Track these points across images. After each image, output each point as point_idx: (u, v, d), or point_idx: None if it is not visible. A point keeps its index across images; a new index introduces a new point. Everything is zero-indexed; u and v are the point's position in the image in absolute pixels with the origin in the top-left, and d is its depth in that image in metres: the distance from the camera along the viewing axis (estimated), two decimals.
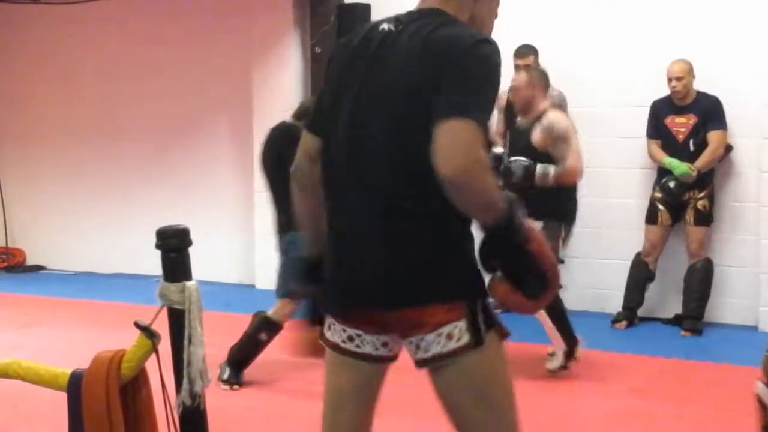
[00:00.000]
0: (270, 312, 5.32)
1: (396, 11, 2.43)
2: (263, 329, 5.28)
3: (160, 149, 9.31)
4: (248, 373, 5.58)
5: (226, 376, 5.27)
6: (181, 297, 2.54)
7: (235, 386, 5.28)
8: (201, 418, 2.62)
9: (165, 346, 2.59)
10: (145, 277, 8.86)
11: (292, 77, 8.43)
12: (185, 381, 2.55)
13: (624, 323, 7.01)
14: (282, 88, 8.46)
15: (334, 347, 2.47)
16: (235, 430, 4.52)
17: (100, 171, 9.71)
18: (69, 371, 2.67)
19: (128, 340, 2.68)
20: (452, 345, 2.28)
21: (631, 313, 7.06)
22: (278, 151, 5.20)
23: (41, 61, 9.94)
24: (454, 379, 2.33)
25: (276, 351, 5.92)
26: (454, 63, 2.23)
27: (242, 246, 8.96)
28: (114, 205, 9.69)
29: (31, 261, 10.18)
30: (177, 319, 2.55)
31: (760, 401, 3.02)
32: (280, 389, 5.37)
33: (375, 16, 8.17)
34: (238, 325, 5.51)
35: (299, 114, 5.52)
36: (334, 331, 2.46)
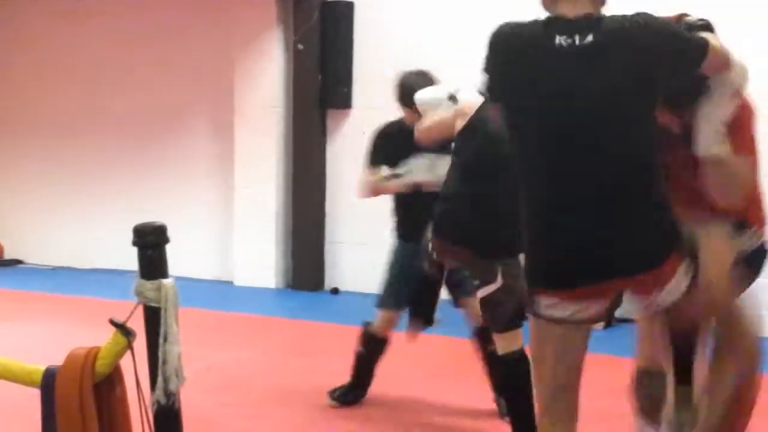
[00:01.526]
0: (373, 326, 4.99)
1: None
2: (362, 344, 4.96)
3: (140, 144, 9.26)
4: (222, 371, 5.57)
5: (337, 393, 4.96)
6: (157, 294, 2.52)
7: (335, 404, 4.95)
8: (175, 417, 2.59)
9: (140, 343, 2.57)
10: (122, 272, 8.82)
11: (274, 74, 8.41)
12: (160, 379, 2.53)
13: (601, 324, 7.00)
14: (263, 85, 8.44)
15: (558, 320, 2.81)
16: (209, 429, 4.49)
17: (79, 165, 9.65)
18: (42, 368, 2.64)
19: (104, 336, 2.66)
20: (684, 284, 2.77)
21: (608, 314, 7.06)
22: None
23: (21, 54, 9.86)
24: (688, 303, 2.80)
25: (252, 350, 5.93)
26: None
27: (220, 242, 8.94)
28: (92, 200, 9.63)
29: (8, 255, 10.11)
30: (153, 317, 2.53)
31: None
32: (255, 388, 5.34)
33: (358, 14, 8.18)
34: (215, 321, 5.51)
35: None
36: (556, 308, 2.78)
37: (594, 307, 2.84)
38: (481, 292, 4.01)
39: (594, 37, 2.58)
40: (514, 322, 4.05)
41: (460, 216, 3.95)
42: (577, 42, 2.59)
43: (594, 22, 2.61)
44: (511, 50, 2.75)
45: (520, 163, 2.80)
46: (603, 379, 5.62)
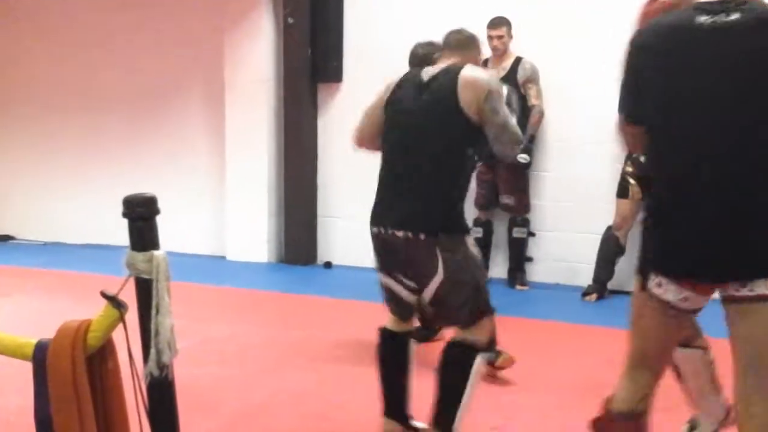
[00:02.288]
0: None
1: None
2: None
3: (131, 119, 9.21)
4: (216, 345, 5.57)
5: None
6: (148, 266, 2.50)
7: None
8: (168, 389, 2.59)
9: (132, 316, 2.56)
10: (115, 247, 8.77)
11: (264, 47, 8.36)
12: (153, 351, 2.52)
13: (594, 296, 7.05)
14: (254, 59, 8.39)
15: (666, 304, 2.89)
16: (203, 401, 4.50)
17: (70, 141, 9.61)
18: (34, 341, 2.63)
19: (96, 311, 2.65)
20: None
21: (601, 286, 7.09)
22: None
23: (13, 29, 9.80)
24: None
25: (246, 323, 5.92)
26: None
27: (213, 217, 8.92)
28: (83, 176, 9.60)
29: None
30: (144, 289, 2.51)
31: None
32: (249, 360, 5.35)
33: None
34: (208, 295, 5.51)
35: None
36: (667, 290, 2.87)
37: (704, 301, 2.93)
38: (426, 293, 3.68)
39: (740, 15, 2.71)
40: (478, 312, 3.70)
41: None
42: (722, 20, 2.73)
43: (740, 2, 2.74)
44: (659, 39, 2.89)
45: (669, 149, 2.88)
46: (596, 351, 5.65)
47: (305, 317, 6.58)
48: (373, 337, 5.56)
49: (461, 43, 3.97)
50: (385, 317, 4.02)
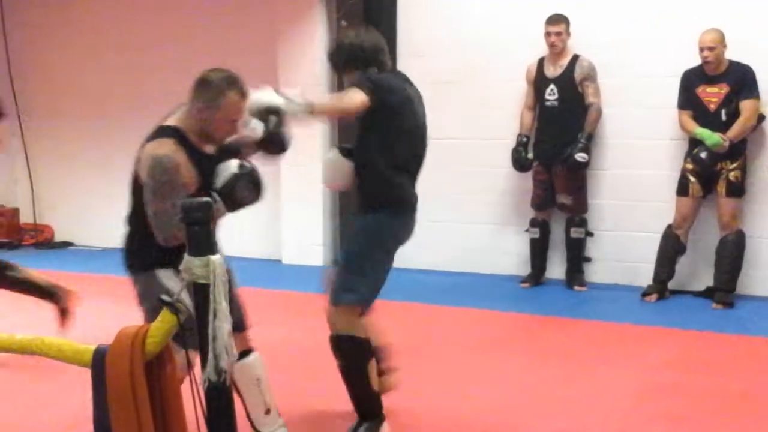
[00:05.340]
0: None
1: None
2: None
3: None
4: (271, 349, 5.55)
5: None
6: (205, 271, 2.49)
7: None
8: (226, 394, 2.58)
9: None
10: None
11: (318, 51, 8.35)
12: (210, 356, 2.51)
13: (654, 296, 6.92)
14: (307, 62, 8.40)
15: None
16: None
17: (127, 147, 9.63)
18: (92, 347, 2.63)
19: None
20: None
21: (661, 285, 6.97)
22: None
23: (67, 36, 9.92)
24: None
25: (301, 327, 5.92)
26: None
27: (268, 221, 8.94)
28: None
29: (59, 237, 10.21)
30: (202, 294, 2.50)
31: None
32: (305, 365, 5.33)
33: None
34: (263, 299, 5.48)
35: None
36: None
37: None
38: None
39: None
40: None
41: None
42: None
43: None
44: None
45: None
46: (655, 352, 5.55)
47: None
48: (431, 340, 5.53)
49: None
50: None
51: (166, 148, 3.52)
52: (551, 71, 7.21)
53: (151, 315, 3.48)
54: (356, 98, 3.76)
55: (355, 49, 4.02)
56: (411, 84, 4.13)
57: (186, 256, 2.55)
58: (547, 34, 7.11)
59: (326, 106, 4.10)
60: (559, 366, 5.29)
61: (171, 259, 3.33)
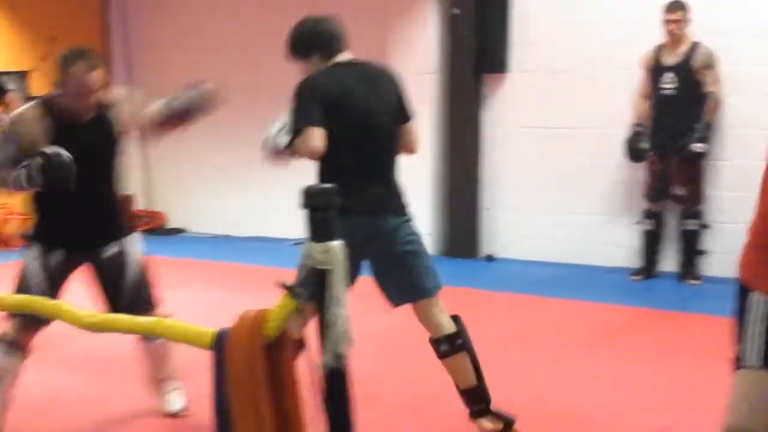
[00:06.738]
0: None
1: None
2: None
3: None
4: (382, 337, 5.56)
5: None
6: (325, 257, 2.50)
7: None
8: (344, 379, 2.58)
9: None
10: (279, 240, 8.97)
11: (429, 39, 8.33)
12: (329, 342, 2.51)
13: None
14: (418, 51, 8.38)
15: None
16: (363, 393, 4.49)
17: (239, 135, 9.85)
18: (213, 330, 2.66)
19: (264, 301, 2.67)
20: None
21: None
22: None
23: (183, 28, 10.13)
24: None
25: (409, 316, 5.93)
26: None
27: None
28: (251, 170, 9.81)
29: (171, 224, 10.44)
30: (322, 280, 2.51)
31: None
32: (415, 353, 5.30)
33: None
34: (370, 288, 5.46)
35: None
36: None
37: None
38: None
39: None
40: None
41: None
42: None
43: None
44: None
45: None
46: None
47: (468, 310, 6.45)
48: (537, 332, 5.44)
49: None
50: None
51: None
52: (669, 59, 7.03)
53: None
54: (313, 143, 3.70)
55: (296, 37, 4.18)
56: (359, 67, 4.08)
57: (306, 242, 2.56)
58: (666, 21, 6.95)
59: (296, 147, 3.87)
60: (670, 361, 5.17)
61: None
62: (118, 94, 4.10)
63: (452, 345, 3.91)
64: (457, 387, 3.96)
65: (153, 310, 4.08)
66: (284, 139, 3.85)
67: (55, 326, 3.46)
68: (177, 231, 10.34)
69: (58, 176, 3.72)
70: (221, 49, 9.82)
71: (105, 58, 10.19)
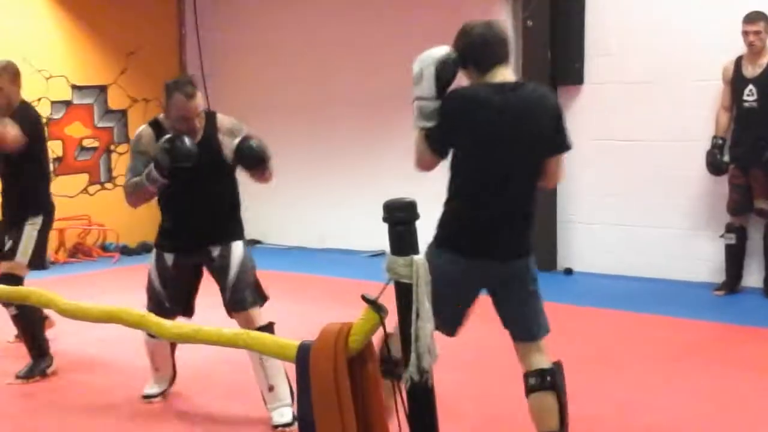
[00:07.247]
0: None
1: None
2: None
3: (373, 125, 9.37)
4: (460, 351, 5.54)
5: None
6: (408, 271, 2.49)
7: None
8: (428, 394, 2.57)
9: (391, 321, 2.56)
10: (355, 252, 9.00)
11: None
12: (413, 356, 2.51)
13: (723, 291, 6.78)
14: None
15: None
16: (445, 407, 4.47)
17: (314, 147, 9.92)
18: (296, 342, 2.68)
19: (345, 314, 2.67)
20: None
21: None
22: None
23: (255, 40, 10.26)
24: None
25: (487, 329, 5.90)
26: None
27: None
28: (327, 183, 9.87)
29: (248, 236, 10.52)
30: (404, 294, 2.50)
31: None
32: (494, 367, 5.29)
33: None
34: None
35: None
36: None
37: None
38: None
39: None
40: None
41: None
42: None
43: None
44: None
45: None
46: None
47: None
48: (619, 347, 5.37)
49: None
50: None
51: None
52: (750, 71, 6.90)
53: None
54: (418, 156, 3.89)
55: (454, 44, 3.90)
56: (507, 92, 3.69)
57: (389, 255, 2.56)
58: (745, 33, 6.82)
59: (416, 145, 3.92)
60: (754, 379, 5.06)
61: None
62: (226, 121, 4.81)
63: (542, 380, 3.69)
64: (537, 430, 3.71)
65: (251, 309, 4.64)
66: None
67: None
68: (253, 242, 10.42)
69: (180, 156, 4.27)
70: (294, 61, 9.92)
71: (181, 69, 10.41)
